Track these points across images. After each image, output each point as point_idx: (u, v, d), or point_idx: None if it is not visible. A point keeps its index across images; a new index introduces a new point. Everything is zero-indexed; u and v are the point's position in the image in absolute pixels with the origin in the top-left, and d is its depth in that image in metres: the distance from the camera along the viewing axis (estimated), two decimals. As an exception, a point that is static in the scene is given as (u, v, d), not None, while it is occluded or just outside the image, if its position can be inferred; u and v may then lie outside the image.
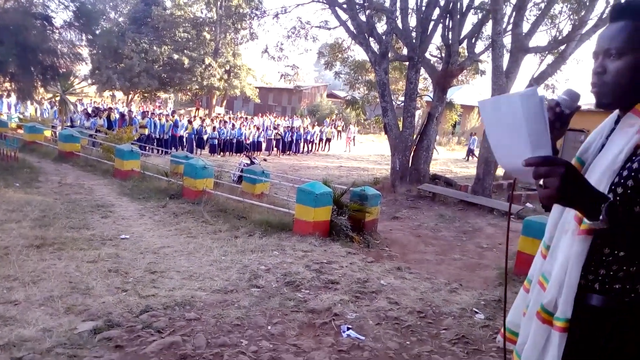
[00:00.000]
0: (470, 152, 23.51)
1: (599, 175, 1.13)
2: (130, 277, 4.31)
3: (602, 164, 1.16)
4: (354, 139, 26.27)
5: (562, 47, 12.65)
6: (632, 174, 1.09)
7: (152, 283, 4.22)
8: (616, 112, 1.25)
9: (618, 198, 1.10)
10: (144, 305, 3.65)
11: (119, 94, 35.88)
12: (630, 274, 1.12)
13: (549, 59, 13.40)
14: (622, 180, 1.11)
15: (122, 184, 8.94)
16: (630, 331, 1.12)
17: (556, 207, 1.27)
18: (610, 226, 1.00)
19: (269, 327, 3.47)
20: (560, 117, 1.21)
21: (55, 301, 3.63)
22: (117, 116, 17.70)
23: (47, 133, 13.72)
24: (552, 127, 1.18)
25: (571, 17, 13.57)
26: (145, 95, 34.33)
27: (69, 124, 15.70)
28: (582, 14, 12.68)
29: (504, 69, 11.36)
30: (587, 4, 12.59)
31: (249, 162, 11.50)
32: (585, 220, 1.09)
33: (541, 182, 1.00)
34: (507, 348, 1.41)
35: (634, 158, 1.11)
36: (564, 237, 1.21)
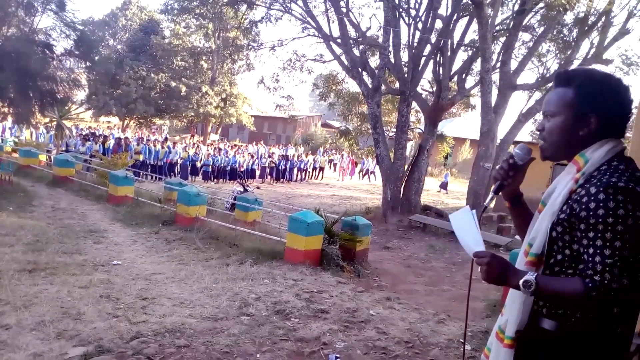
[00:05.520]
0: (444, 185, 24.04)
1: (543, 215, 1.36)
2: (122, 303, 4.35)
3: (548, 206, 1.38)
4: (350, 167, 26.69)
5: (550, 85, 13.04)
6: (565, 216, 1.30)
7: (143, 309, 4.26)
8: None
9: (559, 235, 1.31)
10: (134, 331, 3.69)
11: (115, 120, 36.13)
12: None
13: (537, 94, 13.80)
14: (559, 221, 1.32)
15: (116, 209, 8.97)
16: (566, 353, 1.29)
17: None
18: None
19: (258, 356, 3.51)
20: (514, 167, 1.50)
21: (46, 326, 3.66)
22: (112, 142, 17.83)
23: (42, 157, 13.80)
24: (507, 175, 1.49)
25: (558, 55, 14.07)
26: (141, 121, 34.60)
27: (64, 148, 15.79)
28: (569, 53, 13.16)
29: (493, 104, 11.71)
30: (573, 44, 13.09)
31: (242, 189, 11.58)
32: (531, 252, 1.36)
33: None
34: None
35: (569, 202, 1.31)
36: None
